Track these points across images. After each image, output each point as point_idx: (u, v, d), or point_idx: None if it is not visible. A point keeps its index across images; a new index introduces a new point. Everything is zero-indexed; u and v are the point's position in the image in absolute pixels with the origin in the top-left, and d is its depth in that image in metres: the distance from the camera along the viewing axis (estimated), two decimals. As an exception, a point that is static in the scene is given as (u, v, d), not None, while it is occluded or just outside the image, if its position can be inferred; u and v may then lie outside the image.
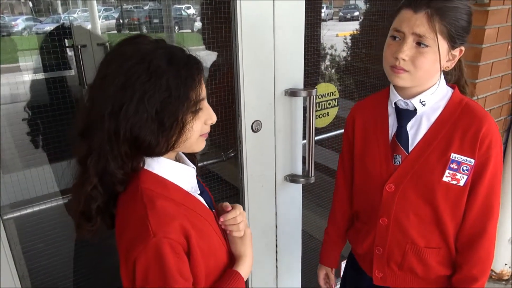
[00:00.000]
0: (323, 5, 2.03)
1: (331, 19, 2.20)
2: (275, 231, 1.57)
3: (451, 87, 1.05)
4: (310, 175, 1.49)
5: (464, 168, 0.98)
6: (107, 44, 1.63)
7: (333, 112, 1.73)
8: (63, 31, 1.51)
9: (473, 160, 0.97)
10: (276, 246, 1.59)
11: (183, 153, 0.89)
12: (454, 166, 0.98)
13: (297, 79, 1.42)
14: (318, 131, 1.74)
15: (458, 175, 0.98)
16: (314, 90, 1.39)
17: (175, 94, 0.72)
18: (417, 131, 1.03)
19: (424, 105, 1.02)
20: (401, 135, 1.05)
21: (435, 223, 1.04)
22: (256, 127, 1.37)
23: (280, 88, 1.38)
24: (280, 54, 1.34)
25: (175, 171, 0.81)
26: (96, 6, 1.88)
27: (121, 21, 1.95)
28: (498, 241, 2.31)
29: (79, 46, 1.55)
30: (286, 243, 1.62)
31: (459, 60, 1.05)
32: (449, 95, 1.02)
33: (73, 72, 1.61)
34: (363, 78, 1.97)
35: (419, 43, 0.93)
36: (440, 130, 1.01)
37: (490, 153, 0.97)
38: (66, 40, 1.53)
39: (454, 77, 1.09)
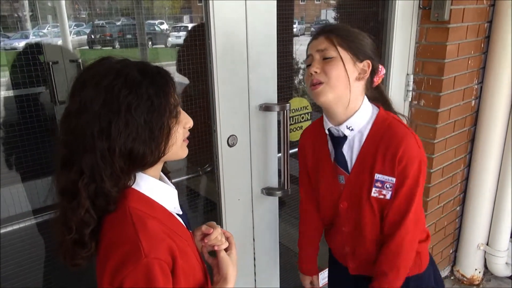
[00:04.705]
0: (295, 21, 2.08)
1: (303, 34, 2.26)
2: (252, 244, 1.57)
3: (378, 106, 1.17)
4: (286, 188, 1.51)
5: (388, 185, 1.11)
6: (79, 60, 1.61)
7: (307, 125, 1.76)
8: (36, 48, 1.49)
9: (394, 179, 1.09)
10: (254, 259, 1.60)
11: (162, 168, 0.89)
12: (378, 184, 1.11)
13: (271, 94, 1.46)
14: (293, 144, 1.77)
15: (384, 191, 1.12)
16: (288, 105, 1.43)
17: (157, 101, 0.74)
18: (352, 153, 1.16)
19: (351, 129, 1.13)
20: (338, 158, 1.17)
21: (380, 225, 1.17)
22: (231, 142, 1.38)
23: (254, 103, 1.41)
24: (253, 70, 1.37)
25: (160, 191, 0.82)
26: (67, 21, 1.86)
27: (92, 36, 1.92)
28: (468, 247, 2.40)
29: (50, 63, 1.52)
30: (264, 256, 1.62)
31: (378, 84, 1.19)
32: (374, 117, 1.14)
33: (43, 89, 1.57)
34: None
35: (325, 58, 1.08)
36: (368, 151, 1.12)
37: (407, 171, 1.08)
38: (38, 57, 1.51)
39: (379, 99, 1.21)
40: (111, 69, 0.74)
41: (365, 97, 1.15)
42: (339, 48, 1.07)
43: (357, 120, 1.12)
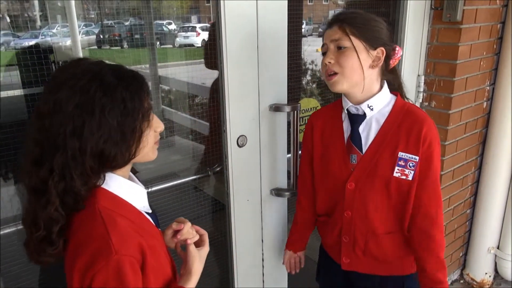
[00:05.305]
0: (303, 21, 2.07)
1: (311, 34, 2.25)
2: (261, 245, 1.56)
3: (394, 94, 1.20)
4: (295, 189, 1.50)
5: (411, 164, 1.12)
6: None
7: (316, 126, 1.75)
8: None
9: (417, 157, 1.11)
10: (263, 260, 1.59)
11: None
12: (402, 163, 1.12)
13: (281, 94, 1.45)
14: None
15: (406, 171, 1.12)
16: (298, 105, 1.42)
17: (131, 105, 0.76)
18: (368, 133, 1.17)
19: (372, 109, 1.15)
20: (354, 137, 1.18)
21: (391, 212, 1.18)
22: (241, 142, 1.37)
23: (264, 104, 1.40)
24: (264, 70, 1.37)
25: (129, 190, 0.84)
26: (77, 21, 1.86)
27: (101, 36, 1.93)
28: (478, 251, 2.37)
29: (60, 62, 1.53)
30: (272, 257, 1.61)
31: (393, 67, 1.21)
32: (393, 102, 1.17)
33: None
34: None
35: (339, 48, 1.09)
36: (388, 132, 1.14)
37: (431, 150, 1.11)
38: (48, 56, 1.51)
39: (393, 82, 1.22)
40: (87, 71, 0.75)
41: (385, 82, 1.18)
42: (352, 38, 1.08)
43: (378, 101, 1.15)
